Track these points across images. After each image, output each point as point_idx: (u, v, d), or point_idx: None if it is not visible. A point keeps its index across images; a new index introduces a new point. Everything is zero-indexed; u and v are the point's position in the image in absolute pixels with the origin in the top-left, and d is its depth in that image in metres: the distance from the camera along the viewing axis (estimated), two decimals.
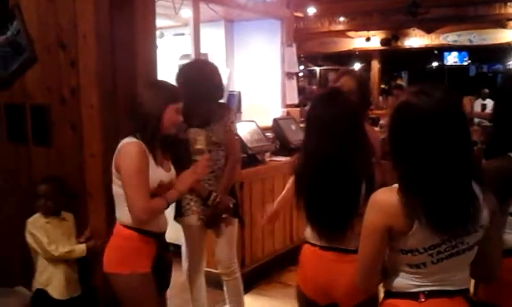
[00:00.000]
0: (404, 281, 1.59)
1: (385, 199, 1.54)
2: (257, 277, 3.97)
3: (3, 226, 3.24)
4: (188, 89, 2.75)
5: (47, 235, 2.66)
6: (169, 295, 2.73)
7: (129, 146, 2.21)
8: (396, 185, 1.53)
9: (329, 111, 1.98)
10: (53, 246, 2.64)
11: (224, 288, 3.15)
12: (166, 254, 2.43)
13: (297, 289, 2.14)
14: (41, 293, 2.68)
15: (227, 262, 3.05)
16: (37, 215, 2.73)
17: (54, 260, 2.66)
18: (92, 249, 2.68)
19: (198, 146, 2.83)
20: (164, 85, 2.40)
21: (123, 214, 2.26)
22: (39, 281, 2.70)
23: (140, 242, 2.27)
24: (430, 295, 1.55)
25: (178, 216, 2.98)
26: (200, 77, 2.84)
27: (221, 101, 3.11)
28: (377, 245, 1.57)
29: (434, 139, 1.45)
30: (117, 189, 2.26)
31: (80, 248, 2.68)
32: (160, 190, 2.28)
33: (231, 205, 2.97)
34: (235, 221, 3.06)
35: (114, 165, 2.24)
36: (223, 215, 2.95)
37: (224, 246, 3.02)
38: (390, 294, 1.65)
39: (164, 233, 2.41)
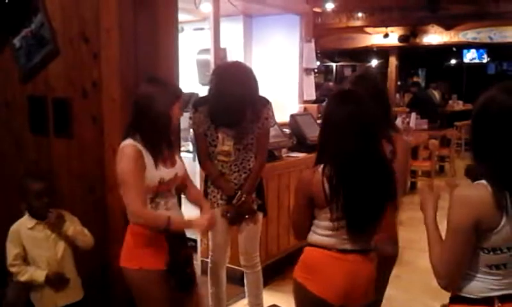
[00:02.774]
0: (479, 284, 1.58)
1: (474, 193, 1.53)
2: (272, 273, 3.97)
3: None
4: (221, 91, 2.76)
5: (23, 244, 2.50)
6: None
7: (124, 148, 2.21)
8: (480, 182, 1.53)
9: (353, 110, 1.96)
10: (14, 269, 2.50)
11: (245, 281, 3.17)
12: (182, 251, 2.38)
13: (307, 294, 2.04)
14: None
15: (250, 255, 3.08)
16: (24, 219, 2.55)
17: None
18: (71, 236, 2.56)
19: (225, 148, 2.85)
20: (166, 82, 2.35)
21: None
22: None
23: (148, 239, 2.27)
24: (503, 299, 1.56)
25: None
26: (234, 81, 2.76)
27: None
28: (468, 242, 1.54)
29: None
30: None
31: (38, 275, 2.50)
32: (163, 186, 2.27)
33: (255, 207, 2.98)
34: (260, 216, 3.06)
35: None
36: (246, 216, 2.96)
37: (248, 239, 3.05)
38: (459, 299, 1.63)
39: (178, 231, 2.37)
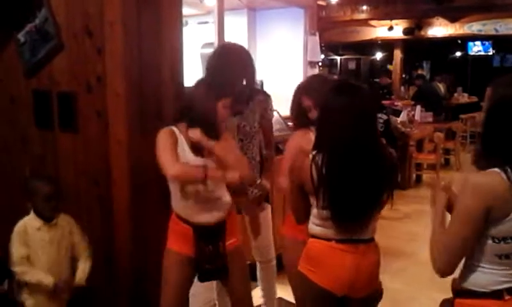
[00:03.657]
0: (487, 276, 1.57)
1: (487, 181, 1.54)
2: (277, 266, 3.98)
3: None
4: (219, 75, 2.74)
5: (28, 245, 2.51)
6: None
7: (160, 132, 2.32)
8: (493, 169, 1.53)
9: (356, 101, 1.98)
10: (19, 268, 2.48)
11: (258, 275, 3.18)
12: (207, 247, 2.39)
13: (311, 286, 2.05)
14: None
15: (265, 248, 3.09)
16: (30, 219, 2.57)
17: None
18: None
19: None
20: (214, 82, 2.44)
21: (171, 200, 2.41)
22: None
23: (177, 225, 2.41)
24: None
25: None
26: (232, 63, 2.75)
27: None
28: (473, 229, 1.54)
29: None
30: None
31: (48, 281, 2.49)
32: None
33: (268, 186, 2.99)
34: (269, 207, 3.07)
35: None
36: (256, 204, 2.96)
37: (262, 233, 3.05)
38: (466, 293, 1.61)
39: (207, 227, 2.37)
